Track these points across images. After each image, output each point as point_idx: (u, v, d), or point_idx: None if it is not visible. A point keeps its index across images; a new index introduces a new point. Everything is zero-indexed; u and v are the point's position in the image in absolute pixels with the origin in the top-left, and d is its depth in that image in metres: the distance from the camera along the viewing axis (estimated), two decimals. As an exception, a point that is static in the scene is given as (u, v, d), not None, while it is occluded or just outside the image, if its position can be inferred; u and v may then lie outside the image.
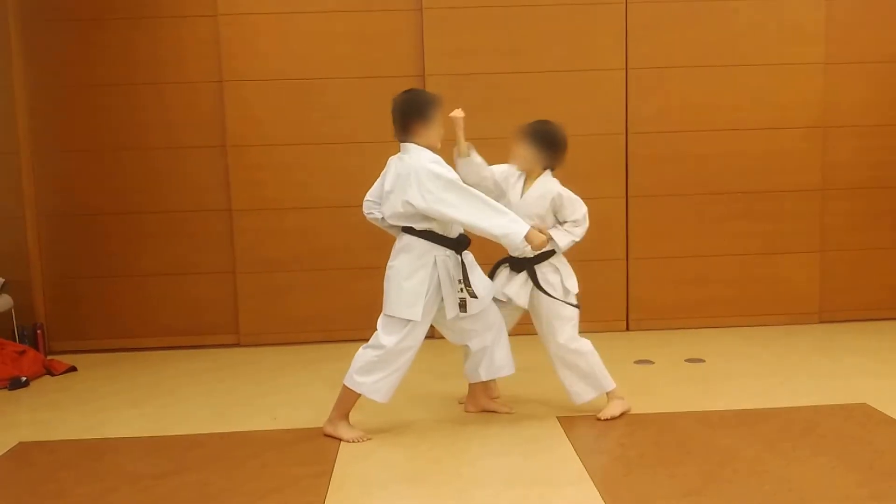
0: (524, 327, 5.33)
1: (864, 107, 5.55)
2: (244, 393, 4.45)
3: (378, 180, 3.75)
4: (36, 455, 3.59)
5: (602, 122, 5.43)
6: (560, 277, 3.76)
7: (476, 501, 2.94)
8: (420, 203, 3.45)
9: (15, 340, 5.20)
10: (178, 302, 5.55)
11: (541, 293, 3.74)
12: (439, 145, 3.66)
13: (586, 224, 3.76)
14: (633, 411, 3.86)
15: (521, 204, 3.78)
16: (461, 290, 3.57)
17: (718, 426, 3.63)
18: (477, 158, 3.82)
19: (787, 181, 5.54)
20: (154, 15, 5.35)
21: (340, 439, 3.60)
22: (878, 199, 5.63)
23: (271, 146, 5.39)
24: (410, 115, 3.59)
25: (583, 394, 3.77)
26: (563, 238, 3.73)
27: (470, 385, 3.97)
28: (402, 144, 3.63)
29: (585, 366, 3.74)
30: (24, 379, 4.70)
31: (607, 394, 3.79)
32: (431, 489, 3.06)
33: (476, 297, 3.58)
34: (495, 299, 3.83)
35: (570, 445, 3.45)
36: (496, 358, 3.84)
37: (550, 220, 3.76)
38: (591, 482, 3.06)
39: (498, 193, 3.80)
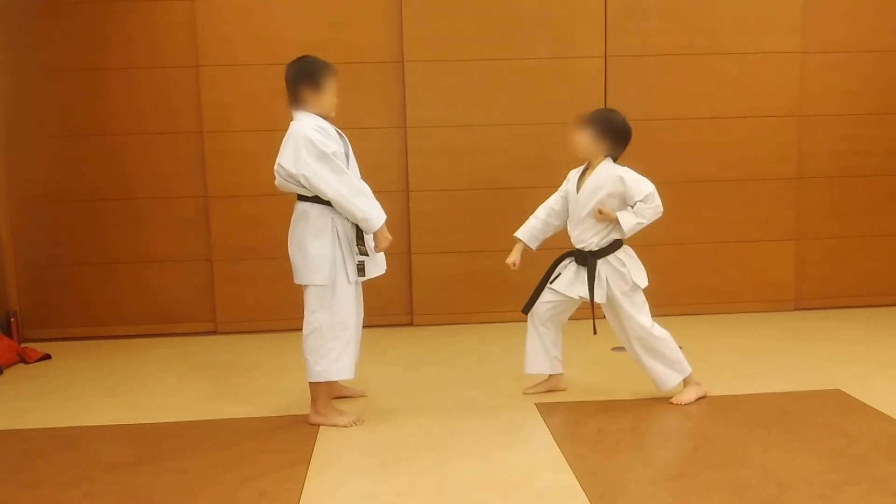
0: (504, 314, 5.36)
1: (841, 96, 5.60)
2: (221, 381, 4.42)
3: None
4: (10, 443, 3.55)
5: (581, 110, 5.28)
6: (627, 271, 3.69)
7: (454, 488, 2.94)
8: (291, 167, 3.43)
9: (-12, 328, 5.14)
10: (154, 289, 5.51)
11: (609, 286, 3.70)
12: (333, 114, 3.62)
13: (656, 203, 3.64)
14: (611, 398, 3.89)
15: (577, 199, 3.75)
16: (358, 252, 3.55)
17: (694, 412, 3.66)
18: (529, 233, 3.92)
19: (763, 170, 5.58)
20: (129, -2, 5.29)
21: (335, 426, 3.59)
22: (853, 188, 5.68)
23: (248, 132, 5.35)
24: (300, 81, 3.54)
25: (669, 381, 3.76)
26: (628, 220, 3.64)
27: None
28: (293, 112, 3.58)
29: (668, 351, 3.73)
30: (-3, 367, 4.66)
31: (684, 379, 3.80)
32: (410, 476, 3.06)
33: (367, 254, 3.56)
34: (555, 291, 3.79)
35: (548, 432, 3.47)
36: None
37: (616, 207, 3.69)
38: (569, 468, 3.07)
39: (565, 218, 3.86)
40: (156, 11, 5.29)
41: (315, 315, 3.56)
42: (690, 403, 3.76)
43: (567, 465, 3.11)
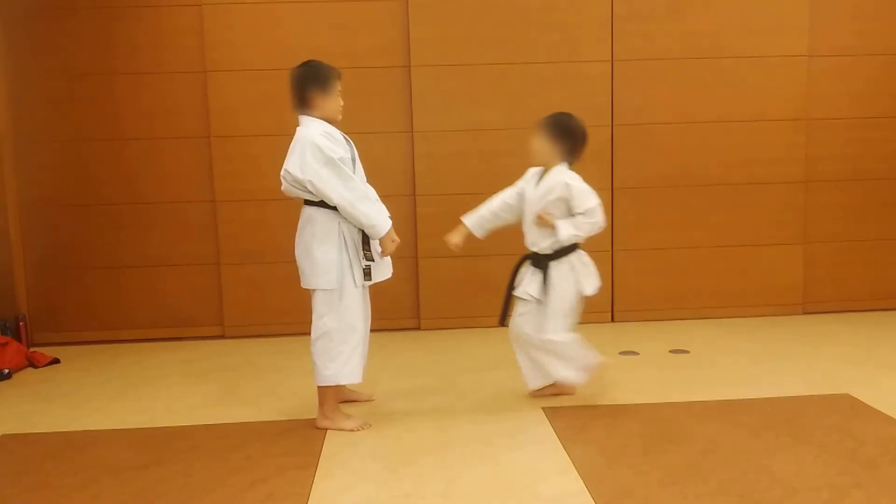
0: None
1: (848, 99, 5.59)
2: (228, 384, 4.43)
3: None
4: (18, 447, 3.57)
5: (587, 114, 5.34)
6: (576, 277, 3.72)
7: (461, 491, 2.94)
8: (297, 173, 3.44)
9: (-3, 332, 5.16)
10: (163, 293, 5.53)
11: (552, 285, 3.72)
12: (339, 118, 3.64)
13: (596, 219, 3.68)
14: (618, 402, 3.89)
15: (530, 201, 3.78)
16: (364, 257, 3.57)
17: (702, 416, 3.65)
18: (477, 221, 3.96)
19: (770, 173, 5.57)
20: (138, 4, 5.30)
21: (342, 430, 3.60)
22: (861, 191, 5.67)
23: (255, 137, 5.37)
24: (307, 85, 3.55)
25: (561, 372, 3.80)
26: (565, 230, 3.66)
27: None
28: (299, 117, 3.59)
29: (575, 355, 3.76)
30: (6, 371, 4.67)
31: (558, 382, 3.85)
32: (416, 480, 3.06)
33: (373, 260, 3.57)
34: (520, 299, 3.82)
35: (555, 436, 3.46)
36: None
37: (563, 213, 3.71)
38: (576, 472, 3.07)
39: (518, 213, 3.88)
40: (164, 17, 5.32)
41: (323, 319, 3.57)
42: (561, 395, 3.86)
43: (574, 468, 3.11)
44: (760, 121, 5.52)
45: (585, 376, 3.83)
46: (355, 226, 3.52)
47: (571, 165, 3.78)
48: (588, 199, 3.67)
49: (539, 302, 3.75)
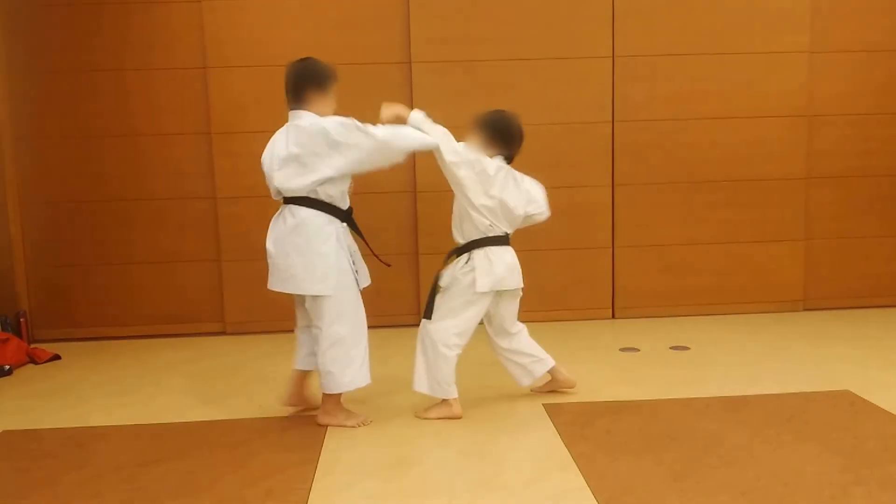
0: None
1: (849, 96, 5.58)
2: (230, 381, 4.44)
3: (266, 159, 3.63)
4: (20, 443, 3.57)
5: (589, 111, 5.43)
6: (471, 271, 3.63)
7: (462, 488, 2.94)
8: (342, 164, 3.42)
9: (-2, 329, 5.16)
10: (163, 290, 5.52)
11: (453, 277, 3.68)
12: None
13: (450, 154, 3.62)
14: (619, 398, 3.88)
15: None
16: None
17: (703, 413, 3.65)
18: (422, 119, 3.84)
19: (771, 170, 5.56)
20: None
21: (343, 427, 3.60)
22: (862, 188, 5.66)
23: (256, 133, 5.30)
24: (306, 82, 3.51)
25: (418, 384, 3.73)
26: (417, 117, 3.63)
27: (298, 375, 3.84)
28: (293, 112, 3.53)
29: (433, 363, 3.69)
30: (7, 367, 4.67)
31: (442, 399, 3.73)
32: (418, 476, 3.06)
33: (356, 268, 3.59)
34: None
35: (556, 432, 3.46)
36: None
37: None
38: (577, 469, 3.07)
39: None
40: (162, 13, 5.31)
41: (334, 327, 3.52)
42: (429, 419, 3.70)
43: (575, 465, 3.11)
44: (762, 117, 5.52)
45: (436, 393, 3.71)
46: (406, 153, 3.59)
47: (510, 161, 3.74)
48: (489, 165, 3.62)
49: (441, 289, 3.72)
